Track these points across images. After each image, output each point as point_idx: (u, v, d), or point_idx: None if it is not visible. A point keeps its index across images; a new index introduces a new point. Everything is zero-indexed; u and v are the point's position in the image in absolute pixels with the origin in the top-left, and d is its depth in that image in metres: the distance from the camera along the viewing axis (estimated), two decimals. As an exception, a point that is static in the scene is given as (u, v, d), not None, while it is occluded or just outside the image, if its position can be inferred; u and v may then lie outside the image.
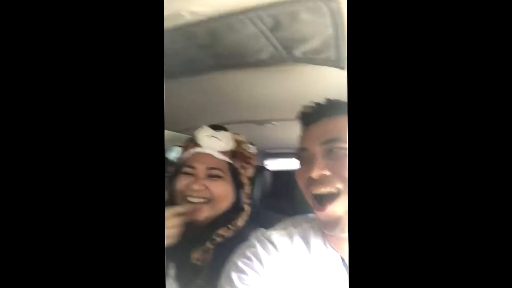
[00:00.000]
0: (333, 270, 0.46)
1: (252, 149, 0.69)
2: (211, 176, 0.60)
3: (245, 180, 0.65)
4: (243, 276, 0.46)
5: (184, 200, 0.58)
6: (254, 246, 0.52)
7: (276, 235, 0.50)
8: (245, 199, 0.65)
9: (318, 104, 0.50)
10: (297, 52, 0.57)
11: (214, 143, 0.61)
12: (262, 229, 0.59)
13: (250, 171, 0.66)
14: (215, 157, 0.61)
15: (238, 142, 0.66)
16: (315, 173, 0.43)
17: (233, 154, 0.64)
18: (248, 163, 0.66)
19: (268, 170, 1.24)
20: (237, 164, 0.64)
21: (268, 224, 0.54)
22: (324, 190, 0.44)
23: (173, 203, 0.60)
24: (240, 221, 0.62)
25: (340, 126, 0.45)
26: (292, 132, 0.60)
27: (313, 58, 0.60)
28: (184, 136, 1.18)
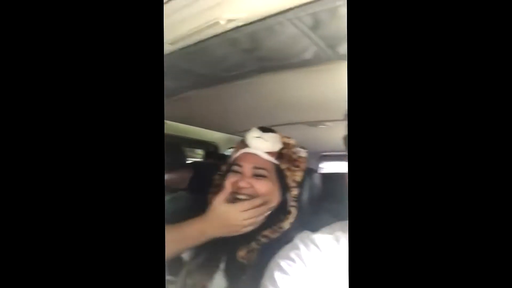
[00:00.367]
0: None
1: (302, 153, 0.68)
2: (256, 175, 0.61)
3: (292, 183, 0.64)
4: (285, 277, 0.46)
5: (233, 196, 0.61)
6: (298, 248, 0.51)
7: (321, 238, 0.49)
8: (292, 202, 0.65)
9: None
10: (342, 49, 0.55)
11: (260, 144, 0.63)
12: (308, 232, 0.58)
13: (298, 174, 0.65)
14: (261, 157, 0.63)
15: (287, 144, 0.66)
16: None
17: (280, 155, 0.64)
18: (297, 166, 0.65)
19: (319, 173, 1.21)
20: (283, 166, 0.64)
21: (316, 228, 0.52)
22: None
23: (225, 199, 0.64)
24: (286, 223, 0.61)
25: None
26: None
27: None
28: (239, 138, 1.23)
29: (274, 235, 0.59)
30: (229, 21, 0.43)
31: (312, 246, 0.51)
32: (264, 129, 0.65)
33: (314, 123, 1.23)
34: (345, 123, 0.51)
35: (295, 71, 0.72)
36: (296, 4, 0.43)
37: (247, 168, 0.62)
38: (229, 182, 0.62)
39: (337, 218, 0.57)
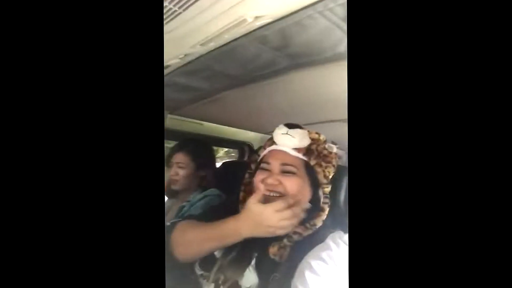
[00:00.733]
0: None
1: (333, 148, 0.66)
2: (284, 172, 0.61)
3: (323, 179, 0.63)
4: (316, 277, 0.45)
5: (264, 194, 0.61)
6: (330, 248, 0.50)
7: None
8: (324, 199, 0.63)
9: None
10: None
11: (288, 140, 0.62)
12: (341, 232, 0.56)
13: (329, 171, 0.63)
14: (288, 154, 0.62)
15: (315, 140, 0.65)
16: None
17: (308, 151, 0.63)
18: (328, 162, 0.64)
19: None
20: (312, 162, 0.62)
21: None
22: None
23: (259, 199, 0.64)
24: (319, 221, 0.60)
25: None
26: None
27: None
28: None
29: (306, 232, 0.58)
30: (257, 18, 0.44)
31: (344, 247, 0.49)
32: (291, 126, 0.64)
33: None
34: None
35: (328, 66, 0.70)
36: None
37: (275, 165, 0.62)
38: (257, 179, 0.62)
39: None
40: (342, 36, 0.55)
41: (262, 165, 0.64)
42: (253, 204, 0.56)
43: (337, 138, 0.76)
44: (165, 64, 0.66)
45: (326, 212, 0.62)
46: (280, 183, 0.60)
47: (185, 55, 0.63)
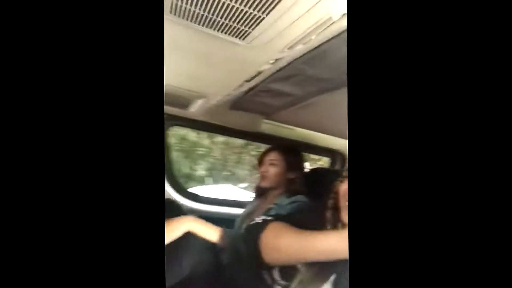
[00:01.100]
0: None
1: None
2: None
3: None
4: None
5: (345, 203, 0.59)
6: None
7: None
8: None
9: None
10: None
11: None
12: None
13: None
14: None
15: None
16: None
17: None
18: None
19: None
20: None
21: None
22: None
23: (337, 207, 0.63)
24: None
25: None
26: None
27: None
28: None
29: None
30: (344, 15, 0.43)
31: None
32: None
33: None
34: None
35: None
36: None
37: None
38: (342, 188, 0.60)
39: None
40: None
41: (345, 173, 0.62)
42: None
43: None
44: (257, 70, 0.71)
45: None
46: None
47: (276, 60, 0.65)
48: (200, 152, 4.24)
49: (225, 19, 0.48)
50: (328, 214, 0.63)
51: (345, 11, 0.42)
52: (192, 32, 0.54)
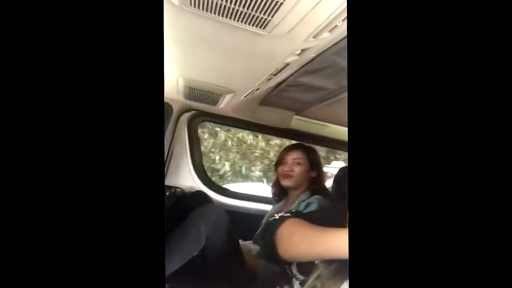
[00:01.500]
0: None
1: None
2: None
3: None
4: None
5: None
6: None
7: None
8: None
9: None
10: None
11: None
12: None
13: None
14: None
15: None
16: None
17: None
18: None
19: None
20: None
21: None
22: None
23: None
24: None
25: None
26: None
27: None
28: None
29: None
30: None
31: None
32: None
33: None
34: None
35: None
36: None
37: None
38: None
39: None
40: None
41: None
42: None
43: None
44: (283, 62, 0.67)
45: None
46: None
47: (301, 50, 0.60)
48: (256, 154, 4.47)
49: (242, 7, 0.45)
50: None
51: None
52: (212, 24, 0.52)
